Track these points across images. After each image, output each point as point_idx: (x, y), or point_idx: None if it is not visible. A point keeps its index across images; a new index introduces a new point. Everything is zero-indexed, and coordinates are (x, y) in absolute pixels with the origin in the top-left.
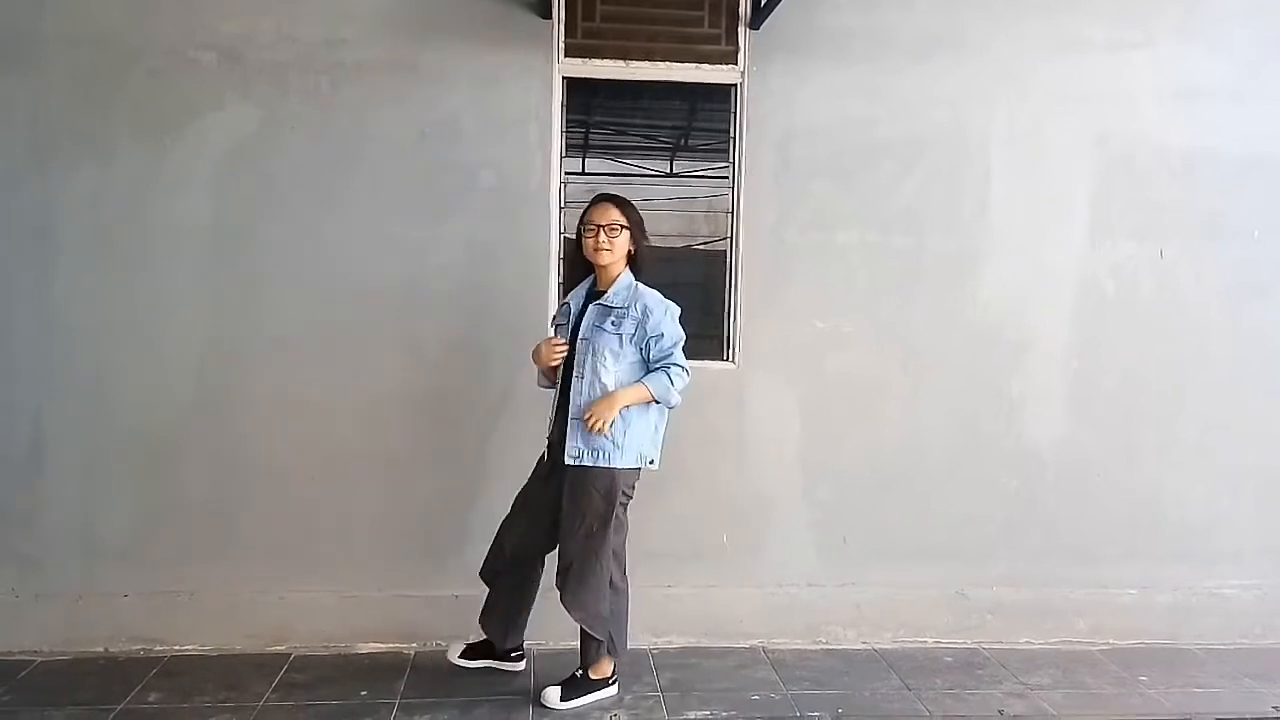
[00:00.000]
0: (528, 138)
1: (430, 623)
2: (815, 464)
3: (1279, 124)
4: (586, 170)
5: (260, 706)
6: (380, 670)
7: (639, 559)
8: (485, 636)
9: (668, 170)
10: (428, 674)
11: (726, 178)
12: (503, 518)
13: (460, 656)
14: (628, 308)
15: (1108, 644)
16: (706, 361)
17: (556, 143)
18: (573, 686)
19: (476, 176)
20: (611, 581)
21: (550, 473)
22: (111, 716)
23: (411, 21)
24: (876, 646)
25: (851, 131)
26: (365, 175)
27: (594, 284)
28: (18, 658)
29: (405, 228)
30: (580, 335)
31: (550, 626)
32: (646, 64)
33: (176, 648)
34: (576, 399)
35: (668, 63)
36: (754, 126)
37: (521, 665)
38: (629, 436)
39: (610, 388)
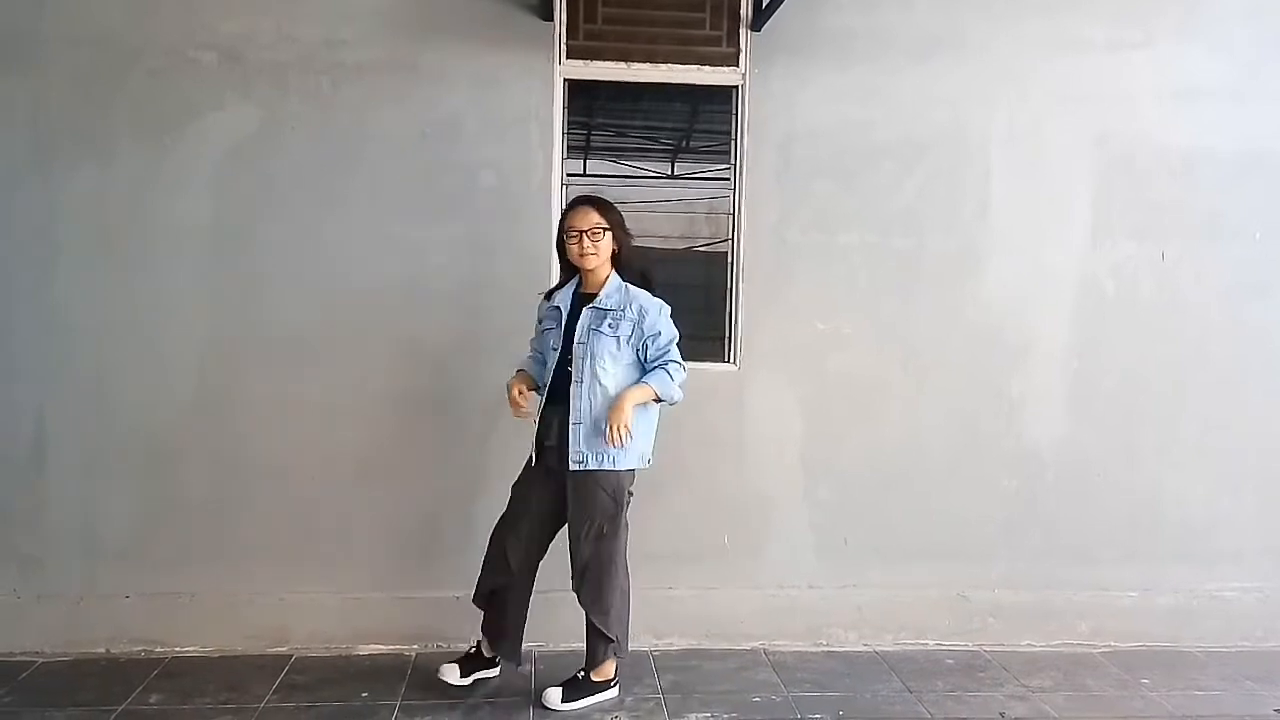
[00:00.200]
0: (529, 139)
1: (431, 624)
2: (816, 465)
3: (1279, 124)
4: (588, 172)
5: (261, 708)
6: (381, 672)
7: (640, 560)
8: (472, 650)
9: (669, 172)
10: (429, 675)
11: (728, 179)
12: (491, 536)
13: (461, 677)
14: (623, 309)
15: (1109, 646)
16: (707, 363)
17: (557, 144)
18: (574, 688)
19: (477, 177)
20: None
21: (544, 477)
22: (112, 718)
23: (412, 22)
24: (877, 648)
25: (852, 132)
26: (365, 175)
27: (579, 285)
28: (19, 659)
29: (405, 228)
30: (577, 339)
31: (551, 627)
32: (648, 66)
33: (177, 649)
34: (577, 403)
35: (669, 65)
36: (755, 128)
37: (498, 669)
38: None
39: (610, 390)
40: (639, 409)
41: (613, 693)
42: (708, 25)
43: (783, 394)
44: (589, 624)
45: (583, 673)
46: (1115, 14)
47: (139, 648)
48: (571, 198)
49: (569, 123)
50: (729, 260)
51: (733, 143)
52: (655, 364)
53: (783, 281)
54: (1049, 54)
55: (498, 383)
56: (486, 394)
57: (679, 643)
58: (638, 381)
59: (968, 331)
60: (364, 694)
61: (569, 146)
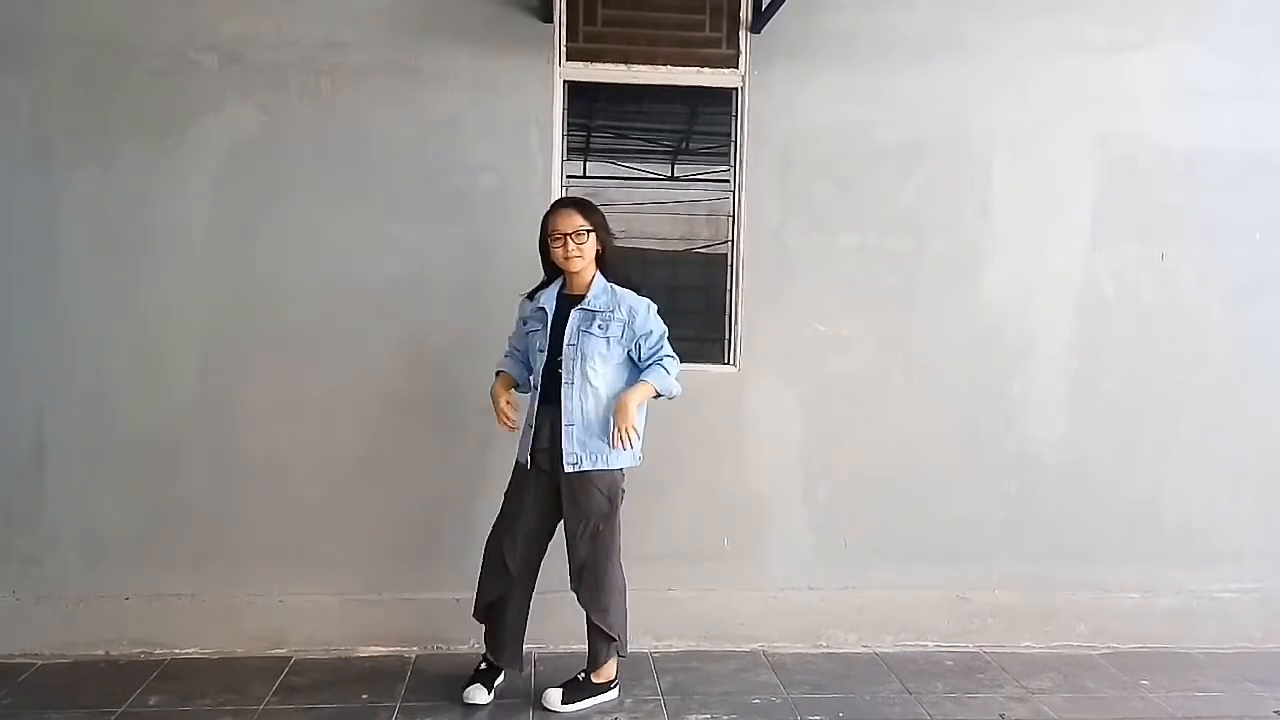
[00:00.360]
0: (529, 141)
1: (431, 626)
2: (816, 466)
3: None
4: (588, 173)
5: (260, 710)
6: (381, 674)
7: (640, 561)
8: (483, 666)
9: (669, 174)
10: (429, 677)
11: (727, 181)
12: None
13: (488, 695)
14: (612, 310)
15: (1109, 647)
16: (707, 365)
17: (558, 146)
18: (575, 689)
19: (477, 179)
20: None
21: (537, 479)
22: (112, 719)
23: (412, 24)
24: (877, 650)
25: (852, 134)
26: (365, 175)
27: (564, 286)
28: (18, 660)
29: (405, 228)
30: (566, 341)
31: (551, 629)
32: (647, 68)
33: (177, 651)
34: (569, 405)
35: (669, 66)
36: (755, 130)
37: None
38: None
39: (600, 390)
40: (639, 408)
41: (612, 694)
42: (707, 27)
43: (782, 395)
44: (590, 625)
45: (583, 674)
46: (1117, 14)
47: (138, 649)
48: (553, 200)
49: (569, 124)
50: (729, 262)
51: (732, 144)
52: (650, 361)
53: (783, 283)
54: (1050, 55)
55: None
56: (486, 394)
57: (678, 644)
58: (638, 380)
59: (968, 332)
60: (363, 696)
61: (569, 148)
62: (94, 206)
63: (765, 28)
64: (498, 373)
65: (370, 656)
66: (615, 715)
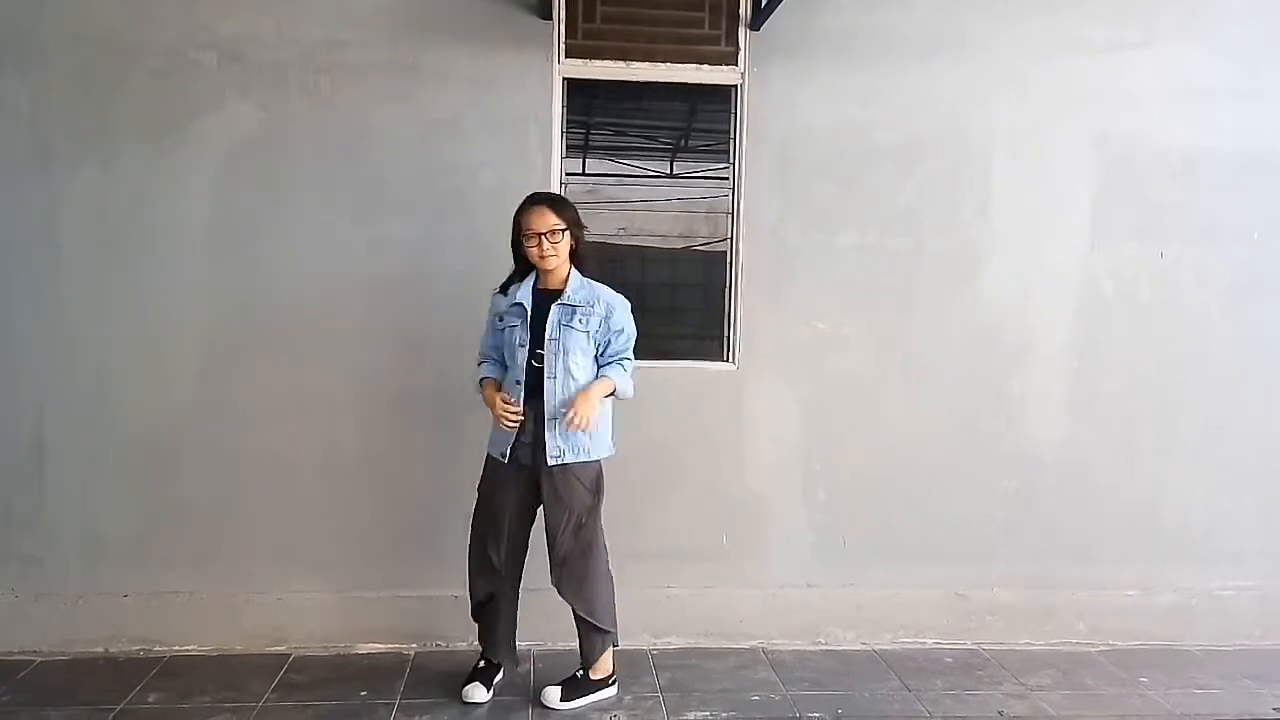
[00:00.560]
0: (528, 138)
1: (430, 623)
2: (815, 464)
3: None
4: (587, 171)
5: (260, 707)
6: (380, 670)
7: (639, 559)
8: (481, 664)
9: (668, 171)
10: (427, 674)
11: (726, 179)
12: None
13: (487, 692)
14: (591, 305)
15: (1107, 645)
16: (706, 362)
17: (557, 143)
18: (573, 687)
19: (477, 177)
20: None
21: (516, 474)
22: (111, 717)
23: (412, 22)
24: (876, 647)
25: (851, 132)
26: (365, 175)
27: (538, 281)
28: (17, 658)
29: (405, 228)
30: (548, 336)
31: (550, 626)
32: (647, 65)
33: (176, 648)
34: (551, 399)
35: (668, 64)
36: (754, 127)
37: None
38: (601, 427)
39: (582, 383)
40: (601, 402)
41: (611, 691)
42: (707, 24)
43: (782, 393)
44: (577, 619)
45: (581, 672)
46: (1115, 14)
47: (137, 647)
48: (524, 198)
49: (568, 122)
50: (728, 259)
51: (732, 142)
52: (612, 359)
53: (782, 281)
54: (1049, 54)
55: None
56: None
57: (677, 641)
58: (599, 375)
59: (967, 331)
60: (362, 693)
61: (568, 145)
62: (94, 206)
63: (764, 25)
64: (481, 381)
65: (369, 653)
66: (614, 712)
